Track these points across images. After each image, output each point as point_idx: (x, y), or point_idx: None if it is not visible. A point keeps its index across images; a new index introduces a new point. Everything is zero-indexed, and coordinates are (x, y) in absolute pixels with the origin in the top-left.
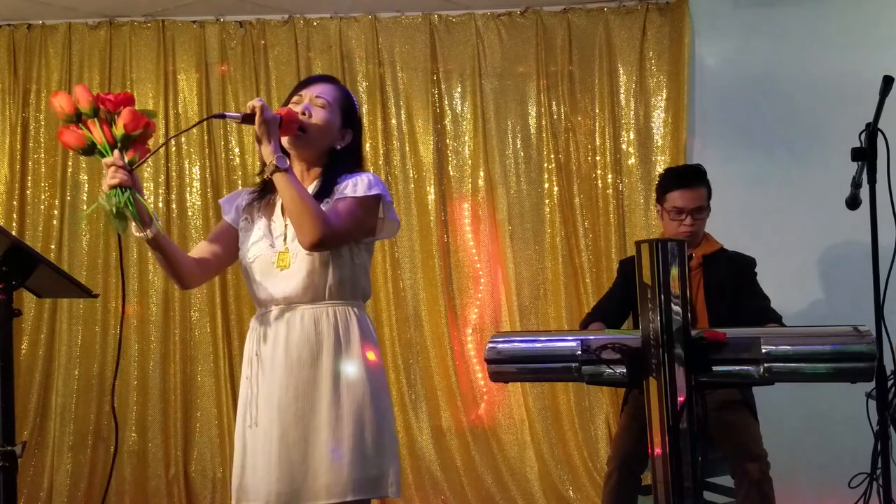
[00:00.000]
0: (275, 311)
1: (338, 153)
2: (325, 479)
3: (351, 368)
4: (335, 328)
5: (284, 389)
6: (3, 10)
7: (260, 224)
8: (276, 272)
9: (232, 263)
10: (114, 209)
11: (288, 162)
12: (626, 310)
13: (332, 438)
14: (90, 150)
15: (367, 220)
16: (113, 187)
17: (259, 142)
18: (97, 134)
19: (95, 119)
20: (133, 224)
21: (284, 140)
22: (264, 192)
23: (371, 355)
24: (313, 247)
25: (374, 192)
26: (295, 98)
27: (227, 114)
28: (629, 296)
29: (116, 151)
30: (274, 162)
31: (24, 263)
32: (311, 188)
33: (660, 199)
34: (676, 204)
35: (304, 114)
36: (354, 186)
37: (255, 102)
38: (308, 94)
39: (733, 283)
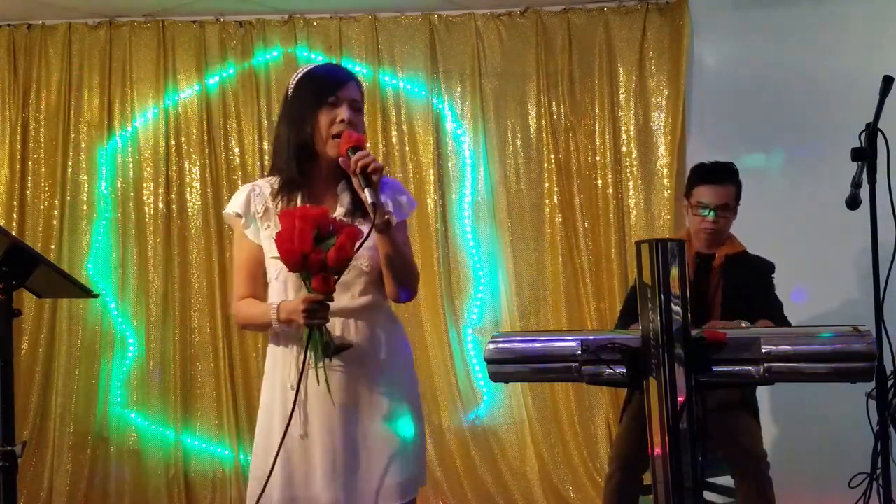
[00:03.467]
0: None
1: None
2: (386, 483)
3: (399, 371)
4: (385, 335)
5: (336, 396)
6: (3, 10)
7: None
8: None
9: None
10: (330, 358)
11: (396, 219)
12: None
13: (388, 444)
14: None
15: None
16: (315, 327)
17: (374, 198)
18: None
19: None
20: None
21: (340, 159)
22: (285, 191)
23: (410, 353)
24: (409, 300)
25: (414, 206)
26: (332, 99)
27: (376, 201)
28: None
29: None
30: (387, 219)
31: (24, 263)
32: (345, 202)
33: (687, 194)
34: (702, 199)
35: (350, 123)
36: (400, 207)
37: (375, 165)
38: (345, 97)
39: (751, 287)
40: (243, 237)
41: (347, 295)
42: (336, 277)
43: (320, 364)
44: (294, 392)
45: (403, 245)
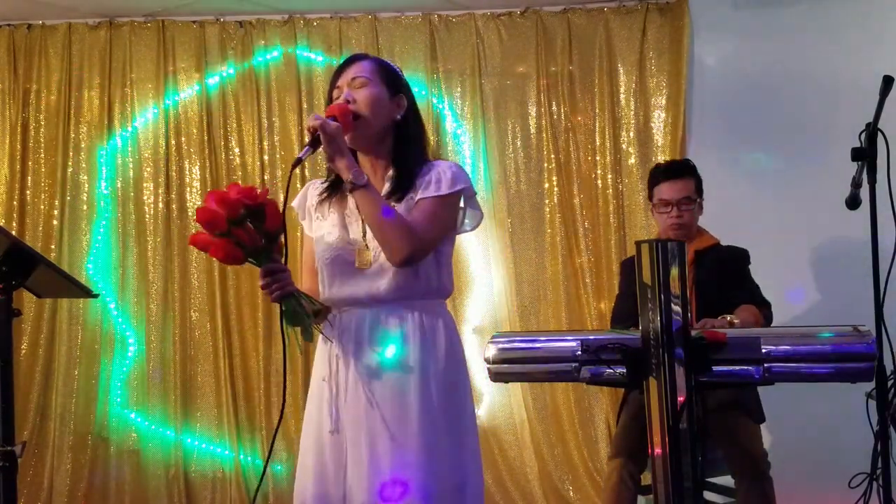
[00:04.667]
0: (357, 310)
1: (400, 124)
2: (419, 489)
3: (438, 371)
4: (421, 328)
5: (370, 393)
6: (3, 10)
7: (333, 219)
8: (356, 271)
9: None
10: (309, 328)
11: (366, 177)
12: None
13: (423, 446)
14: (244, 259)
15: (452, 218)
16: (285, 297)
17: (331, 160)
18: (249, 240)
19: (244, 225)
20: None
21: (347, 137)
22: (336, 185)
23: (457, 355)
24: (403, 263)
25: (458, 187)
26: (335, 93)
27: (300, 156)
28: None
29: (276, 255)
30: (351, 179)
31: (24, 263)
32: (388, 179)
33: (650, 196)
34: (663, 196)
35: (348, 101)
36: (438, 184)
37: (313, 122)
38: (344, 80)
39: (724, 278)
40: (305, 231)
41: (377, 283)
42: (262, 242)
43: (316, 332)
44: (327, 384)
45: (421, 215)
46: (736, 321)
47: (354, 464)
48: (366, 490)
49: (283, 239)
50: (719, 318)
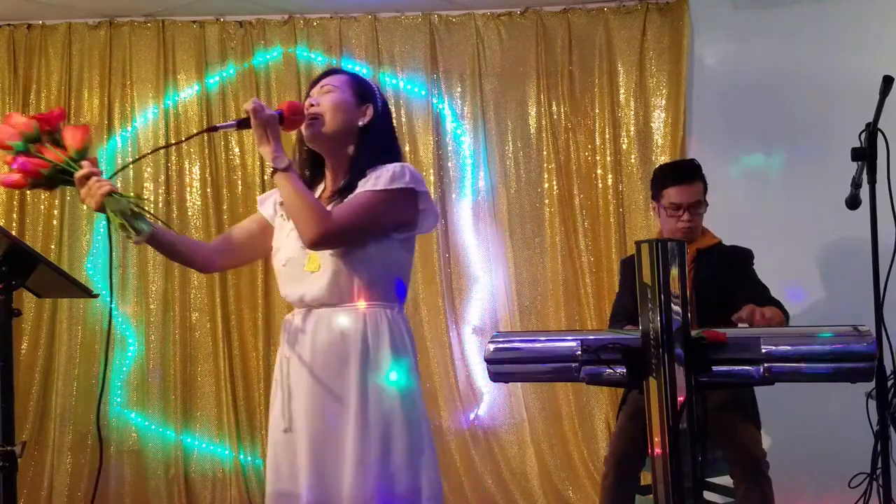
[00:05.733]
0: (304, 312)
1: (365, 131)
2: (351, 492)
3: (379, 375)
4: (363, 332)
5: (312, 395)
6: (3, 10)
7: (292, 224)
8: (305, 274)
9: (262, 257)
10: (129, 211)
11: (287, 161)
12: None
13: (358, 449)
14: (53, 175)
15: (391, 215)
16: (106, 195)
17: (258, 144)
18: (54, 155)
19: (44, 143)
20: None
21: (306, 137)
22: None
23: (402, 361)
24: (312, 245)
25: (396, 185)
26: (307, 101)
27: (219, 126)
28: None
29: (85, 162)
30: (271, 163)
31: (24, 263)
32: (342, 183)
33: (656, 196)
34: (674, 200)
35: (311, 105)
36: (376, 179)
37: (248, 105)
38: (315, 90)
39: (725, 277)
40: (259, 210)
41: (319, 285)
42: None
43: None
44: (279, 385)
45: (345, 204)
46: (768, 314)
47: (299, 461)
48: (314, 488)
49: (94, 159)
50: (757, 311)
